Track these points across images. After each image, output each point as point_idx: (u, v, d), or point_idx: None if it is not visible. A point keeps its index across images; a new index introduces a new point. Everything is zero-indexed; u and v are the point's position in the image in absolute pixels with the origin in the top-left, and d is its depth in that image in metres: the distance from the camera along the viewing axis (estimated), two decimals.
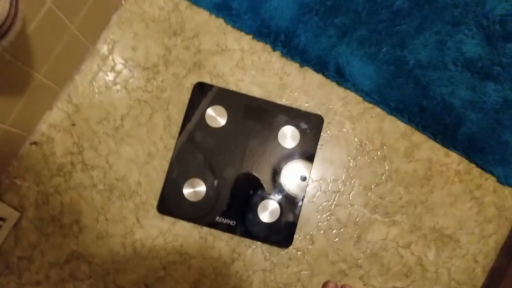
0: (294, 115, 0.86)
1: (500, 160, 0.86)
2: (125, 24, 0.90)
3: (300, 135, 0.85)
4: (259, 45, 0.89)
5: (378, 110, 0.88)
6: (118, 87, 0.88)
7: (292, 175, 0.84)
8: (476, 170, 0.87)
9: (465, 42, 0.88)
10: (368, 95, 0.87)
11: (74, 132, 0.86)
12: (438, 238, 0.85)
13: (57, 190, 0.84)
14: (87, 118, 0.87)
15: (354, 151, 0.87)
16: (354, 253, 0.84)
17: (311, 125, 0.86)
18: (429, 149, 0.87)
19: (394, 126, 0.88)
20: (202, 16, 0.90)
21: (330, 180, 0.86)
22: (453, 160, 0.87)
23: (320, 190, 0.86)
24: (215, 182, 0.83)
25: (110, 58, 0.89)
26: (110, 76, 0.88)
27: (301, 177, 0.84)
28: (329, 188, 0.86)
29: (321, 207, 0.86)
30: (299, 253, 0.84)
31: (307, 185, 0.85)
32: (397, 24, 0.88)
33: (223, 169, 0.84)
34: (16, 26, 0.49)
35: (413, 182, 0.86)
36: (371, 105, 0.88)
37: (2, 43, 0.51)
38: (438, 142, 0.87)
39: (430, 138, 0.87)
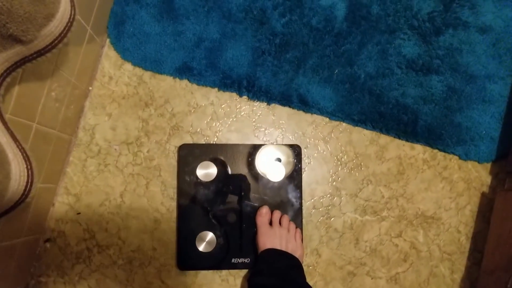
0: (275, 151, 0.95)
1: (458, 140, 0.98)
2: (98, 108, 0.95)
3: (285, 167, 0.94)
4: (226, 95, 0.97)
5: (344, 125, 0.98)
6: (109, 167, 0.94)
7: (288, 203, 0.94)
8: (440, 155, 0.99)
9: (403, 46, 0.99)
10: (333, 115, 0.97)
11: (81, 219, 0.93)
12: (423, 221, 0.97)
13: (82, 276, 0.91)
14: (89, 204, 0.93)
15: (334, 166, 0.97)
16: (356, 254, 0.96)
17: (291, 155, 0.95)
18: (395, 147, 0.98)
19: (361, 136, 0.98)
20: (167, 82, 0.96)
21: (320, 197, 0.97)
22: (419, 151, 0.98)
23: (314, 208, 0.96)
24: (222, 230, 0.92)
25: (94, 143, 0.94)
26: (99, 160, 0.94)
27: (295, 202, 0.94)
28: (322, 205, 0.96)
29: (318, 222, 0.96)
30: (310, 267, 0.95)
31: (301, 208, 0.95)
32: (342, 45, 0.97)
33: (226, 215, 0.93)
34: (32, 192, 0.56)
35: (390, 179, 0.98)
36: (337, 123, 0.98)
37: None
38: (402, 140, 0.98)
39: (394, 137, 0.98)
